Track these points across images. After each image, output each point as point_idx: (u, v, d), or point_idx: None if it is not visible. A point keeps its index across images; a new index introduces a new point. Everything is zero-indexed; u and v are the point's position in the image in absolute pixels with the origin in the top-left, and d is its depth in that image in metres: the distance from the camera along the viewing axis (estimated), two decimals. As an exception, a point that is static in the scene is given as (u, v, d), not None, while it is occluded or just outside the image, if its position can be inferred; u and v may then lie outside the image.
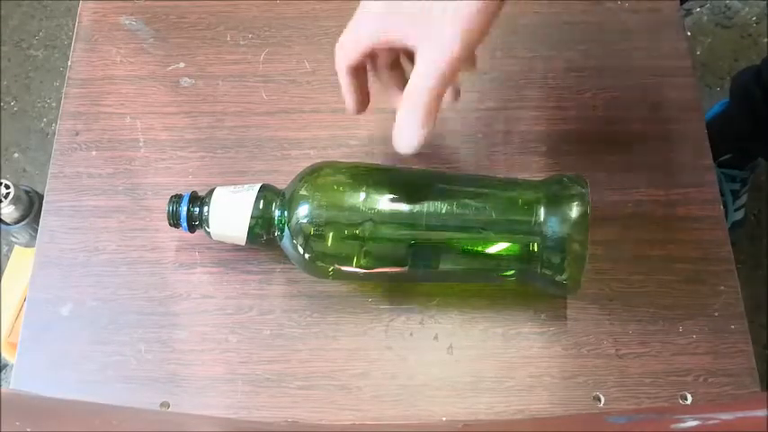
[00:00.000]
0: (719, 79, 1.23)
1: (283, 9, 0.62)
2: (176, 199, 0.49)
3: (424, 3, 0.37)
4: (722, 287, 0.52)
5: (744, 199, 1.10)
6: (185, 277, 0.52)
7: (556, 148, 0.56)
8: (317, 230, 0.46)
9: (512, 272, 0.47)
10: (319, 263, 0.47)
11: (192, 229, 0.50)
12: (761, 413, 0.31)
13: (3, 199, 0.70)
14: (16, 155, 1.26)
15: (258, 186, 0.49)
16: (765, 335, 1.00)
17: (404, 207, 0.46)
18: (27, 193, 0.73)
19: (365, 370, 0.50)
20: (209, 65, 0.60)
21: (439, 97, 0.38)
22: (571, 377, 0.49)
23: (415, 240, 0.46)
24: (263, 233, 0.49)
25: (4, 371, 1.09)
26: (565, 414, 0.48)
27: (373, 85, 0.48)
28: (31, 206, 0.72)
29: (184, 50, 0.61)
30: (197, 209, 0.49)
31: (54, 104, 1.28)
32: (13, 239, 0.75)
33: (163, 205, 0.50)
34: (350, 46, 0.41)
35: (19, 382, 0.50)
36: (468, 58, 0.39)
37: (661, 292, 0.52)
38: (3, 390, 0.32)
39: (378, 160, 0.56)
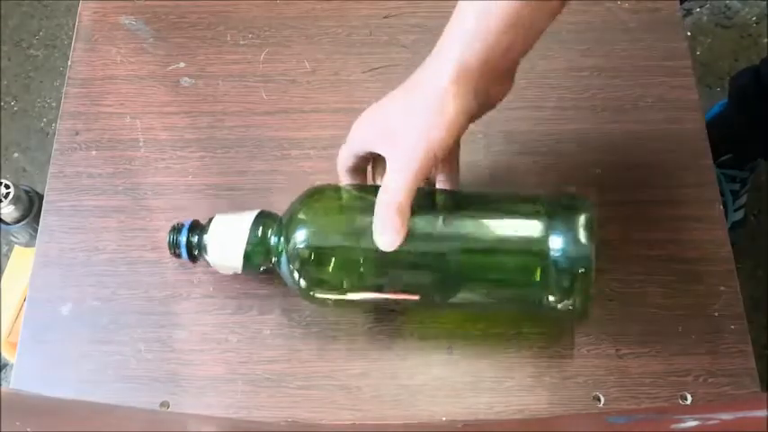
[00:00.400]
0: (719, 79, 1.22)
1: (283, 9, 0.62)
2: (177, 227, 0.49)
3: (394, 126, 0.43)
4: (722, 287, 0.52)
5: (744, 199, 1.10)
6: (185, 277, 0.52)
7: (556, 148, 0.56)
8: (315, 257, 0.45)
9: (522, 297, 0.46)
10: (318, 290, 0.46)
11: (192, 259, 0.49)
12: (761, 413, 0.31)
13: (3, 199, 0.70)
14: (16, 154, 1.26)
15: (255, 213, 0.48)
16: (765, 335, 1.00)
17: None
18: (27, 192, 0.73)
19: (365, 370, 0.50)
20: (210, 65, 0.60)
21: (407, 204, 0.42)
22: (571, 377, 0.49)
23: (418, 267, 0.44)
24: (259, 261, 0.47)
25: (4, 370, 1.09)
26: (565, 414, 0.48)
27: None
28: (30, 206, 0.72)
29: (184, 50, 0.61)
30: (196, 237, 0.48)
31: (54, 104, 1.28)
32: (13, 239, 0.74)
33: (163, 205, 0.50)
34: (344, 155, 0.47)
35: (19, 381, 0.50)
36: (436, 165, 0.43)
37: (661, 292, 0.52)
38: (3, 389, 0.32)
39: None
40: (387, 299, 0.47)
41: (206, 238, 0.48)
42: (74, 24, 0.62)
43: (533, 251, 0.43)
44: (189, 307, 0.52)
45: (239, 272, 0.48)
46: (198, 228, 0.49)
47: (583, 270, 0.42)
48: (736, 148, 1.04)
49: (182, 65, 0.60)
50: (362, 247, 0.44)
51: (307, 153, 0.56)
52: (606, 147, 0.56)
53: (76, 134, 0.58)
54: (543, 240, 0.43)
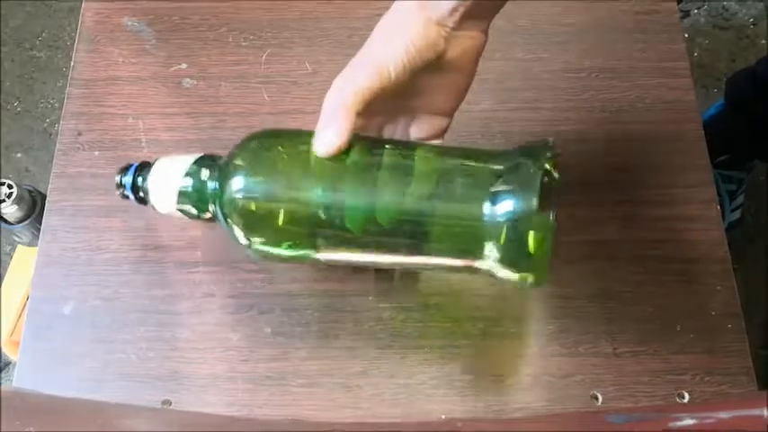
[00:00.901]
0: (717, 80, 1.23)
1: (285, 11, 0.63)
2: (125, 167, 0.47)
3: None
4: (719, 287, 0.52)
5: (740, 200, 1.10)
6: (187, 276, 0.53)
7: (554, 148, 0.57)
8: (251, 206, 0.41)
9: (472, 260, 0.42)
10: (259, 245, 0.43)
11: (140, 201, 0.48)
12: (758, 412, 0.31)
13: (6, 198, 0.70)
14: (19, 155, 1.26)
15: (198, 155, 0.46)
16: (762, 334, 1.00)
17: (351, 182, 0.41)
18: (30, 192, 0.73)
19: (365, 368, 0.50)
20: (211, 66, 0.60)
21: (352, 107, 0.41)
22: (569, 376, 0.50)
23: (363, 221, 0.41)
24: (195, 207, 0.45)
25: (6, 369, 1.09)
26: (563, 413, 0.48)
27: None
28: (33, 206, 0.72)
29: (186, 51, 0.61)
30: (140, 178, 0.47)
31: (57, 105, 1.28)
32: (16, 239, 0.75)
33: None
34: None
35: (21, 380, 0.50)
36: (389, 83, 0.41)
37: (658, 292, 0.52)
38: (4, 388, 0.32)
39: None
40: (333, 260, 0.44)
41: (149, 179, 0.46)
42: (76, 26, 0.63)
43: (481, 208, 0.40)
44: (190, 306, 0.52)
45: (176, 215, 0.46)
46: (145, 168, 0.47)
47: (533, 227, 0.38)
48: (732, 149, 1.04)
49: (184, 66, 0.60)
50: (306, 199, 0.41)
51: (307, 153, 0.57)
52: (604, 148, 0.57)
53: (79, 134, 0.58)
54: (493, 198, 0.39)
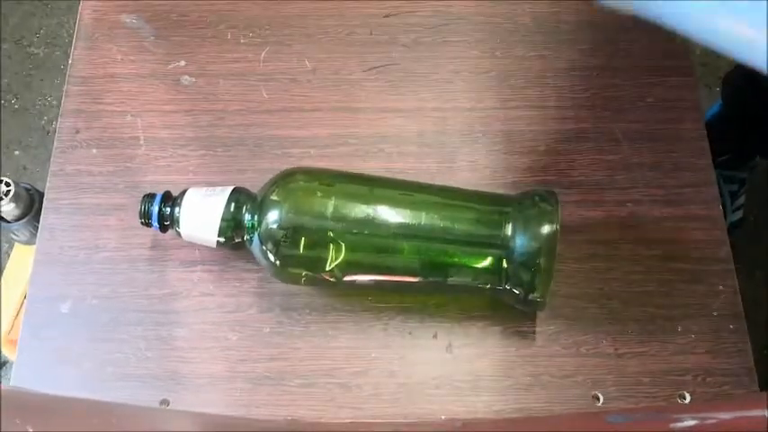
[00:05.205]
0: (719, 79, 1.22)
1: (284, 7, 0.62)
2: (149, 198, 0.50)
3: None
4: (721, 287, 0.52)
5: (742, 200, 1.10)
6: (185, 275, 0.53)
7: (555, 147, 0.57)
8: (286, 236, 0.46)
9: (482, 285, 0.48)
10: (289, 269, 0.48)
11: (163, 228, 0.50)
12: (759, 413, 0.31)
13: (3, 196, 0.70)
14: (17, 152, 1.26)
15: (230, 189, 0.49)
16: (763, 335, 1.00)
17: (372, 217, 0.47)
18: (27, 190, 0.72)
19: (364, 368, 0.50)
20: (210, 63, 0.60)
21: None
22: (570, 376, 0.49)
23: (383, 249, 0.47)
24: (233, 236, 0.49)
25: (4, 368, 1.09)
26: (563, 413, 0.48)
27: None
28: (31, 204, 0.72)
29: (185, 49, 0.61)
30: (169, 209, 0.49)
31: (55, 102, 1.28)
32: (14, 237, 0.74)
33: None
34: None
35: (19, 379, 0.50)
36: None
37: (660, 292, 0.52)
38: (3, 387, 0.32)
39: (376, 159, 0.56)
40: (357, 280, 0.49)
41: (179, 210, 0.49)
42: (75, 22, 0.62)
43: (495, 241, 0.46)
44: (189, 305, 0.52)
45: (213, 245, 0.49)
46: (170, 199, 0.50)
47: (541, 262, 0.45)
48: (733, 149, 1.04)
49: (182, 63, 0.60)
50: (333, 229, 0.46)
51: (307, 152, 0.57)
52: (606, 146, 0.57)
53: (77, 132, 0.58)
54: (505, 231, 0.46)
